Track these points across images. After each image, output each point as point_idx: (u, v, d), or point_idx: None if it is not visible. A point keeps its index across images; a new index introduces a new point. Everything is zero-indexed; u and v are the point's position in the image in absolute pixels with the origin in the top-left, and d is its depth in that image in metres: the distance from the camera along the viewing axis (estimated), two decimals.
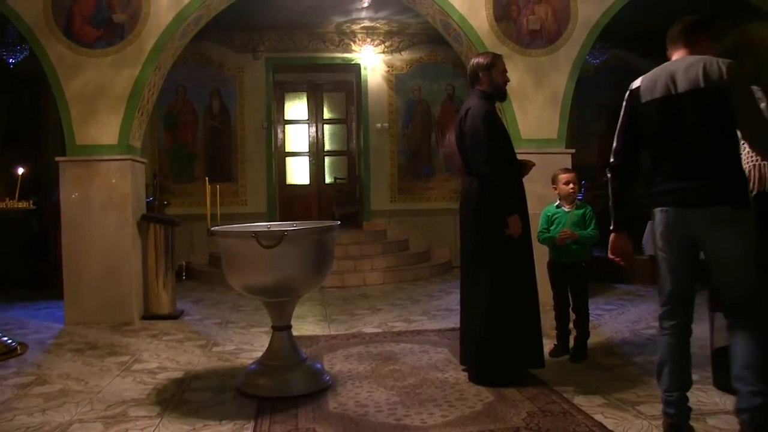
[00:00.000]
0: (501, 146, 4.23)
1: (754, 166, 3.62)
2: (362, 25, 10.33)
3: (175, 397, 4.02)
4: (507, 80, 4.43)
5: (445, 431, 3.35)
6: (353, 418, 3.57)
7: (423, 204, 10.75)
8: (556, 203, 4.90)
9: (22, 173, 5.49)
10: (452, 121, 4.39)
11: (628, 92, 3.25)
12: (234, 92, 10.65)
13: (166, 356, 5.04)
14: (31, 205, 5.51)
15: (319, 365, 4.30)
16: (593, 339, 5.22)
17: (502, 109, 6.63)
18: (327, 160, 11.63)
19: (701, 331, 5.33)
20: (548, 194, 6.74)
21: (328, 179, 11.56)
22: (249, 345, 5.36)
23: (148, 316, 6.54)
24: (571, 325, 4.81)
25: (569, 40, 6.87)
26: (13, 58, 8.74)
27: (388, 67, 10.83)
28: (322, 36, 10.67)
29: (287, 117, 11.56)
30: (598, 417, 3.49)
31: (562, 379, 4.21)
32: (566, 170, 4.94)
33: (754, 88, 3.10)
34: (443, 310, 6.70)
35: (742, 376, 2.93)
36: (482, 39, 6.71)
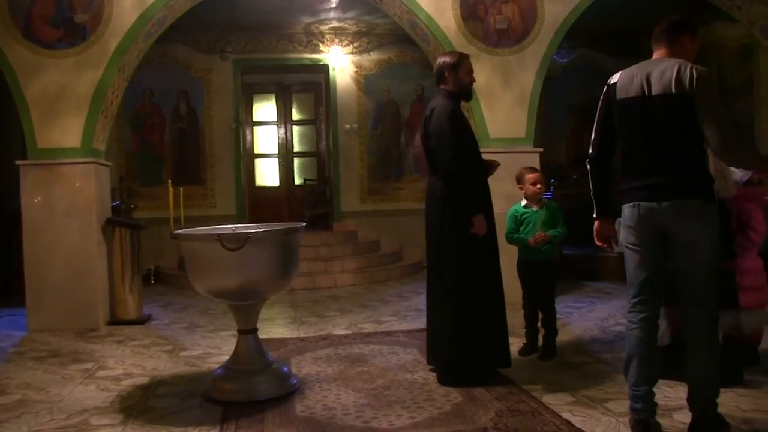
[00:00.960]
0: (466, 145, 4.23)
1: None
2: (330, 25, 10.28)
3: (140, 404, 3.94)
4: (473, 80, 4.42)
5: None
6: (320, 421, 3.53)
7: (393, 204, 10.72)
8: (523, 203, 4.86)
9: None
10: (420, 121, 4.37)
11: (605, 86, 3.33)
12: (201, 94, 10.53)
13: (132, 362, 4.95)
14: None
15: (286, 368, 4.25)
16: (562, 337, 5.23)
17: (470, 109, 6.64)
18: (296, 161, 11.57)
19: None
20: (516, 193, 6.73)
21: (297, 180, 11.50)
22: (216, 349, 5.29)
23: (115, 321, 6.43)
24: (539, 324, 4.80)
25: (536, 40, 6.89)
26: None
27: (357, 67, 10.79)
28: (290, 37, 10.60)
29: (256, 118, 11.48)
30: (566, 415, 3.49)
31: (530, 377, 4.21)
32: (533, 170, 4.91)
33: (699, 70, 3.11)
34: (413, 311, 6.68)
35: (696, 378, 3.13)
36: (449, 38, 6.70)
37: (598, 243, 3.44)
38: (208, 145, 10.50)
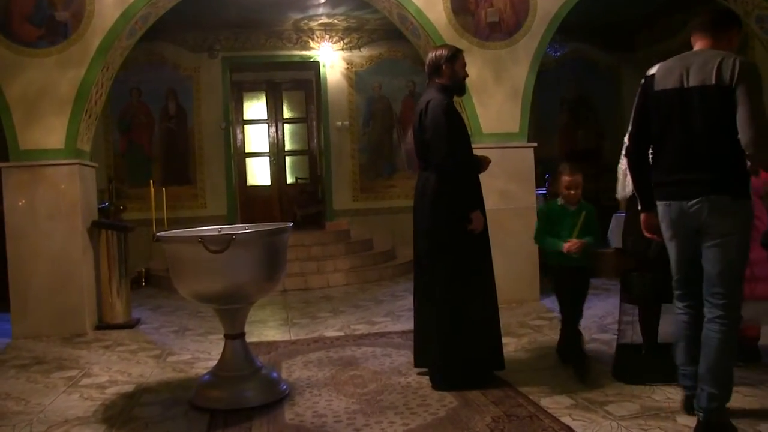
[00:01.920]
0: (461, 140, 4.12)
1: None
2: (320, 21, 10.14)
3: (123, 413, 3.80)
4: (467, 74, 4.32)
5: None
6: (310, 429, 3.40)
7: (386, 202, 10.57)
8: (560, 201, 4.42)
9: None
10: (413, 114, 4.23)
11: (643, 78, 3.30)
12: (190, 93, 10.38)
13: (118, 369, 4.81)
14: None
15: (275, 374, 4.11)
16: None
17: (462, 104, 6.50)
18: (288, 160, 11.43)
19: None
20: (511, 190, 6.70)
21: (289, 179, 11.36)
22: (205, 354, 5.15)
23: (102, 326, 6.28)
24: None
25: (529, 33, 6.75)
26: None
27: (348, 64, 10.65)
28: (280, 34, 10.44)
29: (246, 117, 11.34)
30: (566, 419, 3.37)
31: (527, 379, 4.08)
32: (571, 172, 4.36)
33: (742, 61, 3.03)
34: (407, 311, 6.53)
35: (705, 377, 3.07)
36: (440, 32, 6.56)
37: (648, 235, 3.47)
38: (197, 145, 10.35)
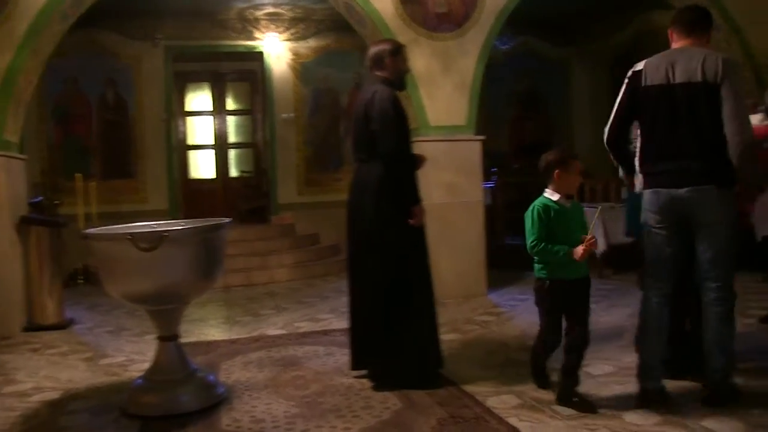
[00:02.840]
0: (407, 133, 4.03)
1: None
2: (265, 11, 9.87)
3: (47, 423, 3.56)
4: (408, 69, 4.28)
5: None
6: None
7: (332, 196, 10.27)
8: (555, 197, 3.43)
9: None
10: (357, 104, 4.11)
11: (630, 73, 3.45)
12: (131, 83, 9.99)
13: (45, 374, 4.53)
14: None
15: (212, 377, 3.92)
16: (509, 332, 5.06)
17: (410, 95, 6.36)
18: (232, 152, 11.13)
19: (616, 318, 5.29)
20: (458, 183, 6.60)
21: (233, 173, 11.07)
22: (141, 355, 4.90)
23: (32, 327, 5.95)
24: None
25: (477, 24, 6.66)
26: None
27: (294, 55, 10.41)
28: (224, 23, 10.12)
29: (189, 108, 10.98)
30: (513, 420, 3.27)
31: (474, 377, 3.98)
32: (574, 156, 3.57)
33: (728, 60, 3.26)
34: None
35: (712, 351, 3.32)
36: (387, 22, 6.40)
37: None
38: (138, 137, 9.98)
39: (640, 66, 3.40)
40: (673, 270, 3.40)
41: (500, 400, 3.57)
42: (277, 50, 10.33)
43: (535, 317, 5.22)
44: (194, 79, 10.98)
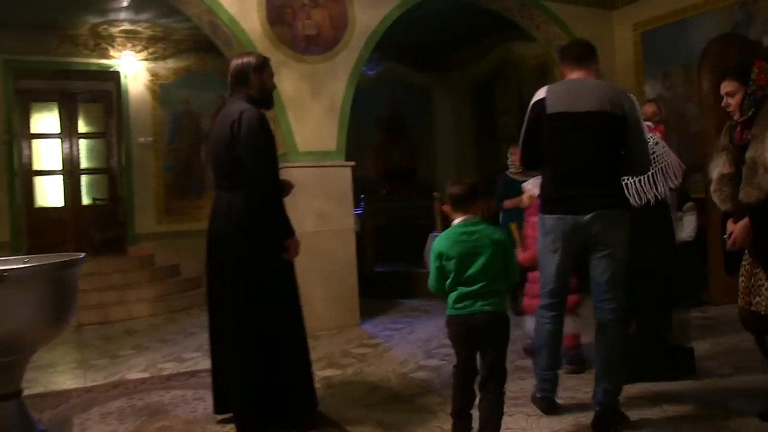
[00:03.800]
0: (275, 158, 3.74)
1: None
2: (121, 28, 9.30)
3: None
4: (274, 86, 3.94)
5: None
6: None
7: (194, 224, 9.69)
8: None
9: None
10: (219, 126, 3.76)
11: (532, 101, 3.52)
12: None
13: None
14: None
15: None
16: (387, 366, 4.90)
17: (277, 120, 6.13)
18: (84, 178, 10.30)
19: None
20: (329, 210, 6.42)
21: (85, 200, 10.25)
22: None
23: None
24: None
25: (347, 47, 6.57)
26: None
27: (152, 75, 9.86)
28: (74, 38, 9.42)
29: (35, 130, 10.08)
30: None
31: (358, 417, 3.79)
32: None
33: (632, 97, 3.49)
34: None
35: (600, 375, 3.41)
36: (255, 43, 6.14)
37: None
38: None
39: (542, 94, 3.49)
40: (564, 292, 3.59)
41: None
42: (134, 70, 9.75)
43: (412, 346, 5.11)
44: (40, 98, 10.10)
